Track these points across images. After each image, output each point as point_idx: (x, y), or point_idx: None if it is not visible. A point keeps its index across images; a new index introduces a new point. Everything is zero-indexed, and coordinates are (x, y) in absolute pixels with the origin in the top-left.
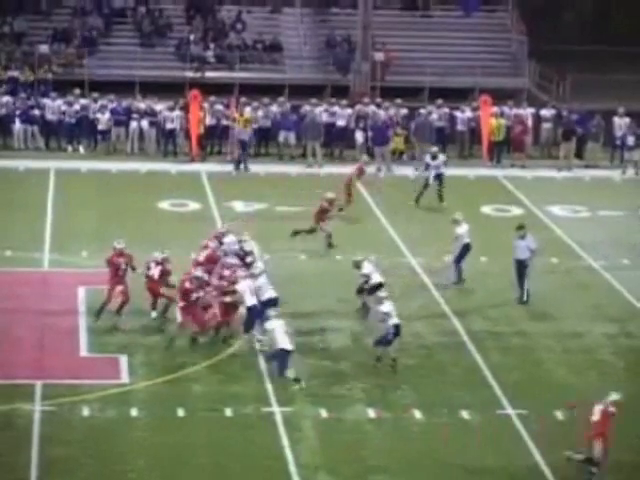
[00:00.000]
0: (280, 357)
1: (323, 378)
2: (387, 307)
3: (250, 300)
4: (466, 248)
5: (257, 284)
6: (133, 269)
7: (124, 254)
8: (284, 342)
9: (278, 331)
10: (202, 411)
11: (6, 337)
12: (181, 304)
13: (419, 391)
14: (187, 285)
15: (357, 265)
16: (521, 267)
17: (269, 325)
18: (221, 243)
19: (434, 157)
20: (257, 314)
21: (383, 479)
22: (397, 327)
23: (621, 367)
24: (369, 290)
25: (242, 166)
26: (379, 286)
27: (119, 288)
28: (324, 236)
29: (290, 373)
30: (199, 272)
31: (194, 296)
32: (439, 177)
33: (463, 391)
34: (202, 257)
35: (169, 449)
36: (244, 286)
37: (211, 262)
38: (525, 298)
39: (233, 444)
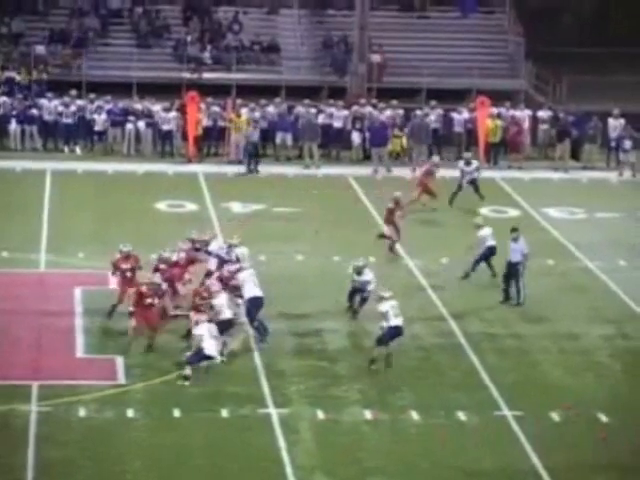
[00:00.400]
0: (198, 358)
1: (320, 379)
2: (385, 307)
3: (227, 313)
4: (490, 250)
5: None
6: (139, 268)
7: (130, 257)
8: (209, 348)
9: (206, 336)
10: (198, 412)
11: (3, 338)
12: (133, 308)
13: (416, 392)
14: (143, 289)
15: (358, 271)
16: (512, 269)
17: (198, 330)
18: (197, 248)
19: (468, 163)
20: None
21: None
22: (396, 328)
23: (618, 369)
24: (365, 297)
25: (249, 167)
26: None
27: (132, 291)
28: (387, 240)
29: (188, 370)
30: (157, 279)
31: (147, 301)
32: (473, 182)
33: (460, 392)
34: (183, 260)
35: (166, 450)
36: (221, 300)
37: (190, 264)
38: (522, 299)
39: (230, 445)
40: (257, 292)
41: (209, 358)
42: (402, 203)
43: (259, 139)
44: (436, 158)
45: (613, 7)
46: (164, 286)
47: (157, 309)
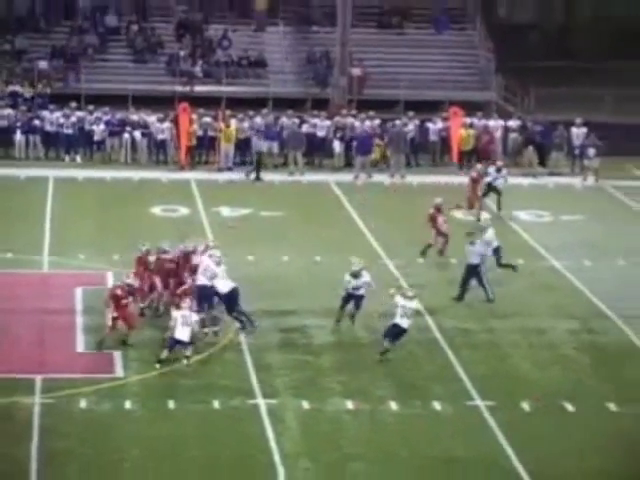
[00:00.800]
0: (172, 343)
1: (305, 372)
2: (398, 302)
3: (203, 280)
4: (496, 251)
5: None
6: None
7: (150, 254)
8: (180, 333)
9: (179, 321)
10: (192, 403)
11: (7, 334)
12: (111, 309)
13: (395, 384)
14: (118, 292)
15: (355, 274)
16: (471, 271)
17: (174, 313)
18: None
19: (499, 170)
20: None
21: (360, 466)
22: (395, 327)
23: (583, 362)
24: (359, 299)
25: (253, 175)
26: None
27: (107, 294)
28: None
29: (163, 354)
30: (131, 280)
31: (124, 302)
32: (489, 186)
33: (435, 384)
34: (177, 259)
35: (162, 440)
36: (203, 263)
37: (186, 263)
38: (491, 296)
39: (221, 434)
40: (230, 285)
41: (181, 343)
42: (443, 209)
43: (264, 148)
44: (479, 165)
45: (576, 25)
46: (136, 284)
47: (133, 307)
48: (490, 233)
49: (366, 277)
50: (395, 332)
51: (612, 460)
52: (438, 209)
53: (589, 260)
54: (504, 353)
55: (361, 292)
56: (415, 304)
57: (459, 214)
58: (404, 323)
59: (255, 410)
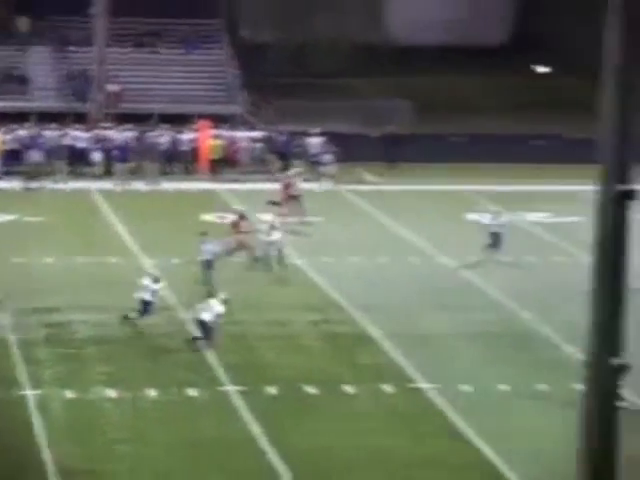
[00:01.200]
0: None
1: (70, 364)
2: (211, 301)
3: None
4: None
5: None
6: None
7: None
8: None
9: None
10: None
11: None
12: None
13: (153, 373)
14: None
15: (156, 279)
16: (206, 266)
17: None
18: None
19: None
20: None
21: (123, 448)
22: (201, 323)
23: (322, 350)
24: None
25: (25, 183)
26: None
27: None
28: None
29: None
30: None
31: None
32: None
33: (190, 372)
34: None
35: None
36: None
37: None
38: (212, 291)
39: None
40: None
41: None
42: (247, 216)
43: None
44: (292, 171)
45: (314, 44)
46: None
47: None
48: (277, 235)
49: (161, 283)
50: (200, 327)
51: (348, 436)
52: (242, 216)
53: (327, 257)
54: (252, 343)
55: (155, 298)
56: (222, 308)
57: (209, 217)
58: (206, 317)
59: (23, 400)
